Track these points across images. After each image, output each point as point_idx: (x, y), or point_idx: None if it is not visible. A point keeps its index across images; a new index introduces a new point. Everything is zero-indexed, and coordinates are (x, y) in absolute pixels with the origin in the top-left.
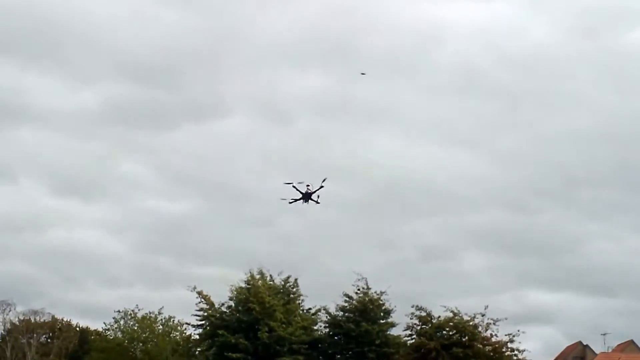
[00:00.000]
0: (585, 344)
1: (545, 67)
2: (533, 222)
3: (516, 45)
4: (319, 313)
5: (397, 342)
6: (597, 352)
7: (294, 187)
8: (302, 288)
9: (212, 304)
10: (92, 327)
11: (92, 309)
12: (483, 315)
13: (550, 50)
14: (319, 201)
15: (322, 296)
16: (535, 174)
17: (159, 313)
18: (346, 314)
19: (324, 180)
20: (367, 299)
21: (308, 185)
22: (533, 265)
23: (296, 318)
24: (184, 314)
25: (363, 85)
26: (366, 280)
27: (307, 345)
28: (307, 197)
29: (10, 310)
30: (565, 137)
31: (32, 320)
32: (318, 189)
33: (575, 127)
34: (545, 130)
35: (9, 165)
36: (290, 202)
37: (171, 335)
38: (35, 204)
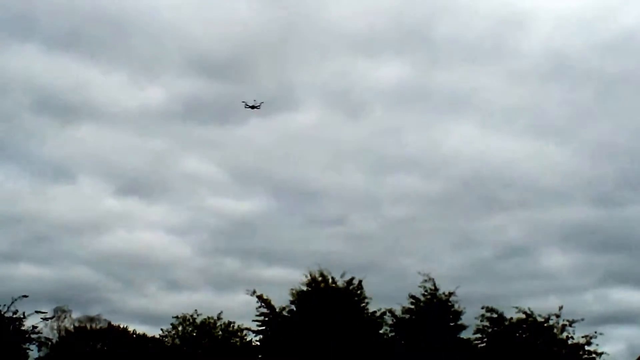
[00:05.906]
0: None
1: (638, 52)
2: (622, 216)
3: (606, 28)
4: (385, 316)
5: (467, 345)
6: None
7: (246, 106)
8: (371, 289)
9: (272, 308)
10: (150, 334)
11: (152, 314)
12: (558, 317)
13: None
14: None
15: (392, 297)
16: (626, 165)
17: (219, 318)
18: (413, 317)
19: (261, 103)
20: (434, 300)
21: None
22: (619, 262)
23: None
24: (248, 317)
25: (440, 74)
26: (434, 281)
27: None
28: (253, 107)
29: (65, 317)
30: None
31: (88, 327)
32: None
33: None
34: (638, 118)
35: (68, 164)
36: (245, 107)
37: (231, 341)
38: (95, 205)
